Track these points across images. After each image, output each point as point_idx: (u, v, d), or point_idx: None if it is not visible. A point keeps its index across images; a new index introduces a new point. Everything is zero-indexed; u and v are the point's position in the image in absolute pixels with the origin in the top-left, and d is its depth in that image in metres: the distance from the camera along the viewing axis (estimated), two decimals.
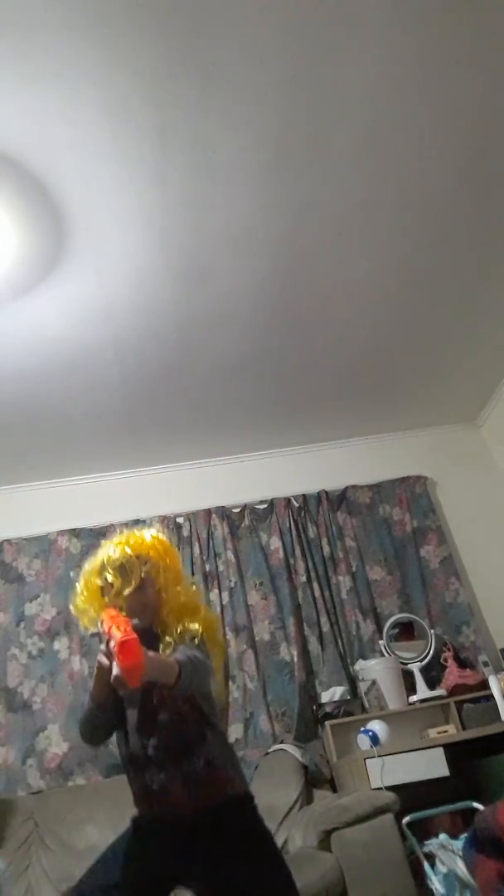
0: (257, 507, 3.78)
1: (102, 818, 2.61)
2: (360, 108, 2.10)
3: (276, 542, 3.63)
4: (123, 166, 2.12)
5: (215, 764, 1.52)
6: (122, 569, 1.60)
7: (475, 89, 2.11)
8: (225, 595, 3.48)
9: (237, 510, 3.74)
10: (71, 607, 1.72)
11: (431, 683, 3.20)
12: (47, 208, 2.20)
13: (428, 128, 2.20)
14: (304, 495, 3.78)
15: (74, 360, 2.92)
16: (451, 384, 3.73)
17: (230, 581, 3.52)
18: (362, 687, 3.17)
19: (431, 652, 3.30)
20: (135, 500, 3.73)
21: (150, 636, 1.57)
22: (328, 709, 3.15)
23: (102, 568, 1.64)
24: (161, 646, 1.57)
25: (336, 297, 2.90)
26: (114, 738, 1.63)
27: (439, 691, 3.13)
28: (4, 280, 2.43)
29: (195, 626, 1.60)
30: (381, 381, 3.59)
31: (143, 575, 1.61)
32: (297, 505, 3.76)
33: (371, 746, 2.68)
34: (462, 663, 3.27)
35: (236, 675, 3.28)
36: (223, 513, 3.70)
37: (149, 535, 1.71)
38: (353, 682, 3.28)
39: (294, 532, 3.66)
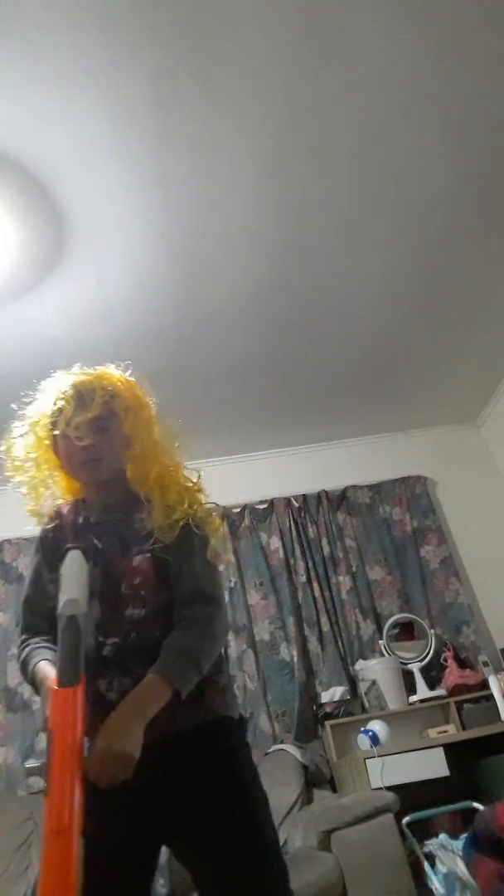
0: (257, 507, 3.77)
1: None
2: (361, 109, 2.10)
3: (276, 542, 3.63)
4: (124, 166, 2.12)
5: (207, 671, 1.14)
6: (79, 395, 1.23)
7: (476, 89, 2.11)
8: (225, 595, 3.48)
9: (237, 510, 3.74)
10: (6, 471, 1.29)
11: (431, 683, 3.20)
12: (47, 208, 2.20)
13: (429, 129, 2.20)
14: (304, 495, 3.78)
15: (74, 361, 2.90)
16: (451, 384, 3.73)
17: (230, 581, 3.52)
18: (362, 687, 3.17)
19: (431, 652, 3.30)
20: None
21: (126, 502, 1.25)
22: (328, 709, 3.15)
23: (55, 401, 1.25)
24: (147, 515, 1.21)
25: (336, 297, 2.90)
26: None
27: (439, 691, 3.13)
28: (4, 280, 2.42)
29: (183, 505, 1.22)
30: (381, 381, 3.59)
31: (104, 406, 1.22)
32: (297, 505, 3.76)
33: (371, 746, 2.68)
34: (462, 663, 3.27)
35: (236, 675, 3.28)
36: (223, 513, 3.70)
37: (114, 370, 1.34)
38: (353, 682, 3.28)
39: (294, 532, 3.66)
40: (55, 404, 1.25)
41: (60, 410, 1.23)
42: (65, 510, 1.33)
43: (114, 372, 1.34)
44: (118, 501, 1.27)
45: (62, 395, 1.24)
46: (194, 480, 1.33)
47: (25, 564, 3.53)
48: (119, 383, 1.30)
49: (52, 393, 1.28)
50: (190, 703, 1.08)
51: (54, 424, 1.24)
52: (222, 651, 1.22)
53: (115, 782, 0.96)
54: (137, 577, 1.17)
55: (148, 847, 1.13)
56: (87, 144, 2.03)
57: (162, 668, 1.07)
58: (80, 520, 1.29)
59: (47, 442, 1.27)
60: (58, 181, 2.12)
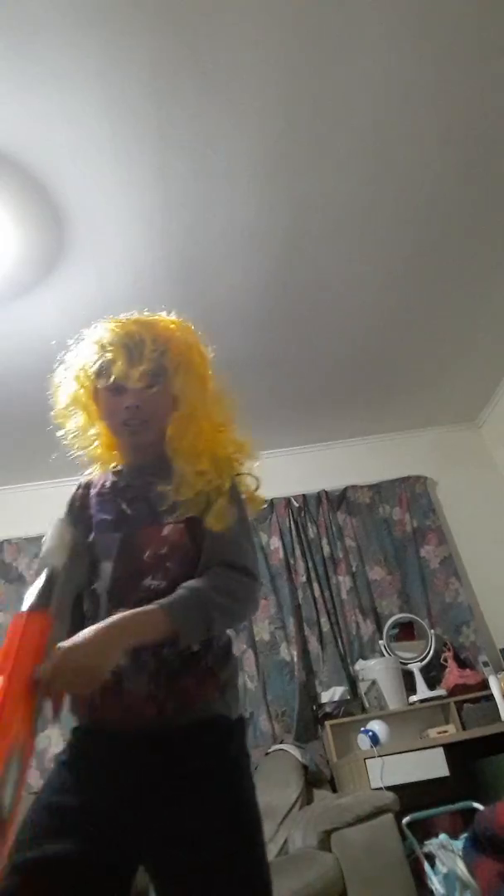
0: None
1: None
2: (361, 108, 2.09)
3: (276, 542, 3.63)
4: (124, 166, 2.12)
5: (209, 660, 1.02)
6: (128, 347, 1.11)
7: (476, 88, 2.11)
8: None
9: None
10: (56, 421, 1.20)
11: (431, 683, 3.20)
12: (47, 208, 2.20)
13: (428, 128, 2.20)
14: (304, 495, 3.78)
15: None
16: (451, 384, 3.73)
17: None
18: (362, 687, 3.17)
19: (431, 652, 3.30)
20: None
21: (161, 466, 1.13)
22: (328, 709, 3.15)
23: (99, 351, 1.13)
24: (173, 485, 1.09)
25: (336, 297, 2.89)
26: None
27: (439, 691, 3.13)
28: (4, 280, 2.42)
29: (212, 475, 1.09)
30: (381, 382, 3.59)
31: (155, 363, 1.11)
32: (297, 505, 3.76)
33: (371, 746, 2.68)
34: (462, 663, 3.27)
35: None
36: None
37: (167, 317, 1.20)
38: (353, 682, 3.28)
39: (294, 532, 3.66)
40: (101, 354, 1.12)
41: (106, 362, 1.11)
42: (96, 478, 1.24)
43: (167, 319, 1.19)
44: (152, 464, 1.14)
45: (109, 346, 1.12)
46: (239, 445, 1.20)
47: (26, 564, 3.53)
48: (173, 335, 1.17)
49: (97, 341, 1.15)
50: (182, 694, 0.98)
51: (98, 375, 1.13)
52: (230, 644, 1.09)
53: (70, 689, 0.85)
54: (165, 546, 1.05)
55: (125, 860, 0.95)
56: (86, 144, 2.03)
57: (165, 602, 0.93)
58: (109, 483, 1.19)
59: (91, 391, 1.16)
60: (58, 181, 2.12)
